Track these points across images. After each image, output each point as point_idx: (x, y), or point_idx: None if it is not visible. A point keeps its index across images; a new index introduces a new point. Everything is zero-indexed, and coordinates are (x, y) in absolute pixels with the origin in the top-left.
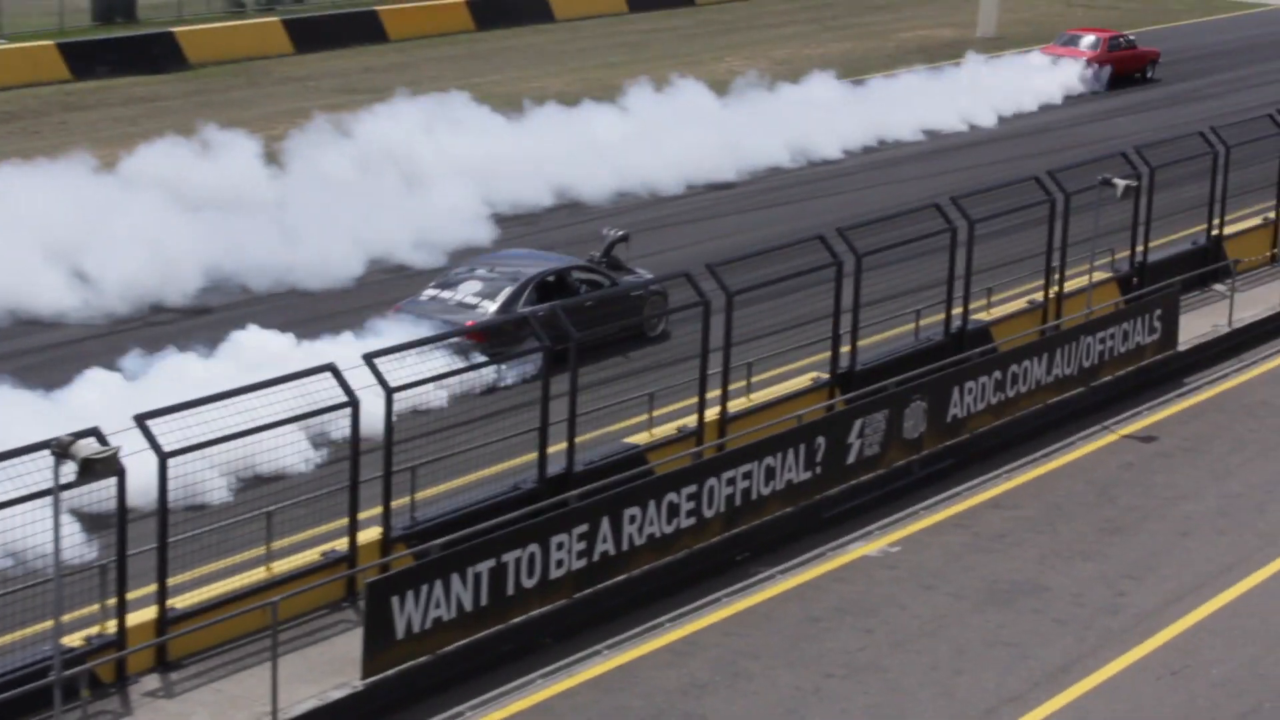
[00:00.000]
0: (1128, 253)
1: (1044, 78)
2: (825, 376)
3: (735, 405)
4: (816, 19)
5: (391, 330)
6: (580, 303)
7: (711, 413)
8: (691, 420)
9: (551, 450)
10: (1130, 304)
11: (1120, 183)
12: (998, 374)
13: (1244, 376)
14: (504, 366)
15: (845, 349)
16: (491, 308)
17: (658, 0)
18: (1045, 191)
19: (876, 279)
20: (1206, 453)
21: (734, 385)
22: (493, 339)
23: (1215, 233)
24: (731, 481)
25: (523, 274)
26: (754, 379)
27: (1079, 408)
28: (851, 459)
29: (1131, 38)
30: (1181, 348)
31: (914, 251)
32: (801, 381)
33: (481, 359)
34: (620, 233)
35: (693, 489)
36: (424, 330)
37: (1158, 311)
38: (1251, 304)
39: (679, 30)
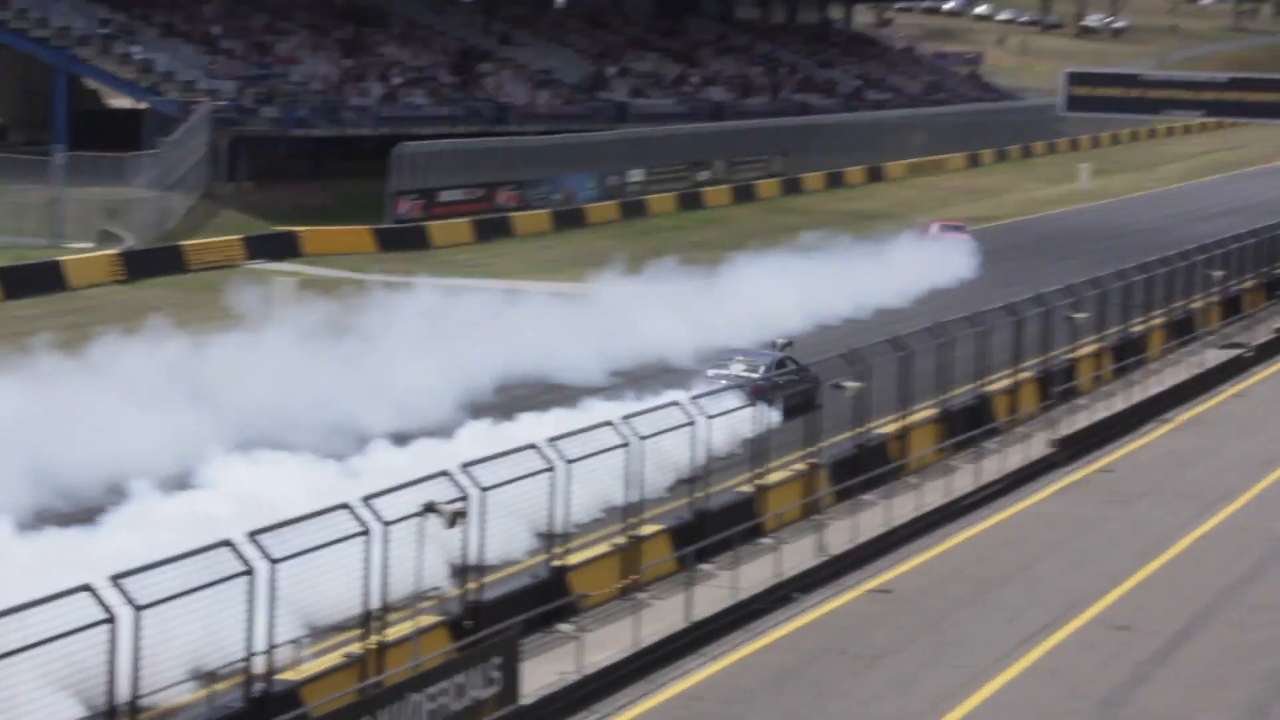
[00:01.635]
0: (459, 591)
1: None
2: None
3: None
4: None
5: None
6: (796, 378)
7: None
8: None
9: None
10: (464, 652)
11: (445, 510)
12: None
13: None
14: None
15: None
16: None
17: None
18: (359, 521)
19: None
20: None
21: None
22: (762, 394)
23: (557, 564)
24: None
25: (767, 359)
26: None
27: None
28: None
29: None
30: (525, 701)
31: (207, 599)
32: None
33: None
34: (789, 339)
35: None
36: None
37: (495, 660)
38: (603, 645)
39: None
